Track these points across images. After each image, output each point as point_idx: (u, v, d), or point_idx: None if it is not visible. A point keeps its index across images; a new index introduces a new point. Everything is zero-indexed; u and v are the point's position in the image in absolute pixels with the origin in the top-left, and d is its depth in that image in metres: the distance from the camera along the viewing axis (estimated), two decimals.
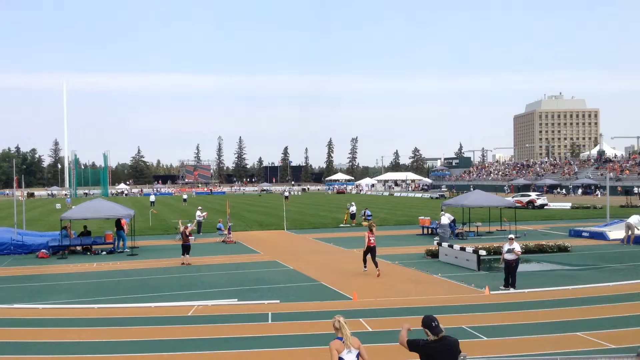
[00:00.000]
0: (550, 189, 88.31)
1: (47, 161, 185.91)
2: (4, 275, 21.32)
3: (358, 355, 7.12)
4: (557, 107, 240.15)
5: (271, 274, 20.42)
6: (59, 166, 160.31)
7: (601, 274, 19.63)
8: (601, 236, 29.16)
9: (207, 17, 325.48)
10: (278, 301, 15.71)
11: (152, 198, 72.23)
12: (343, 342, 7.14)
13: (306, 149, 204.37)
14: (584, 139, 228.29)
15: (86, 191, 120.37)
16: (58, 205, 67.76)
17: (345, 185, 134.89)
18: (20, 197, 66.64)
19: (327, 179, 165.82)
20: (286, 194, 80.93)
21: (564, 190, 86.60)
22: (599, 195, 74.32)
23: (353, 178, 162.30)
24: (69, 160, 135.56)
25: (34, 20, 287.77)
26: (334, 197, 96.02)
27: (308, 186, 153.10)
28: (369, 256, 20.09)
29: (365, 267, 20.40)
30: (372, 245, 19.93)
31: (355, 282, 18.40)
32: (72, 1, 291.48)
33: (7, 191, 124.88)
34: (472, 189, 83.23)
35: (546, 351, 10.93)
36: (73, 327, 13.43)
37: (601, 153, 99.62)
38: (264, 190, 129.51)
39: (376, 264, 19.71)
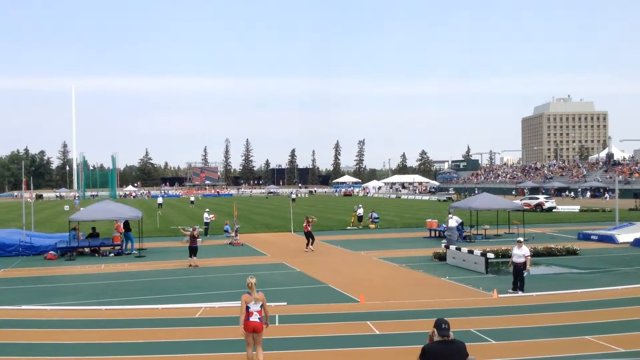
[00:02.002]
0: (559, 191, 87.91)
1: (55, 163, 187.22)
2: (12, 276, 21.43)
3: (261, 305, 9.93)
4: (566, 110, 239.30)
5: (278, 276, 20.43)
6: (68, 168, 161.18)
7: (610, 277, 19.50)
8: (610, 239, 28.97)
9: (215, 20, 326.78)
10: (285, 303, 15.70)
11: (160, 200, 72.47)
12: (251, 295, 9.91)
13: (313, 151, 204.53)
14: (592, 141, 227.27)
15: (94, 193, 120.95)
16: (66, 207, 68.10)
17: (352, 188, 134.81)
18: (28, 199, 67.00)
19: (334, 181, 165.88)
20: (293, 196, 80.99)
21: (572, 193, 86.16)
22: (608, 199, 73.90)
23: (360, 180, 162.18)
24: (77, 162, 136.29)
25: (43, 24, 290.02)
26: (340, 199, 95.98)
27: (315, 188, 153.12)
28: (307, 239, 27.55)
29: (306, 248, 27.46)
30: (307, 231, 27.47)
31: (362, 285, 18.35)
32: (80, 4, 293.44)
33: (16, 193, 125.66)
34: (476, 192, 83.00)
35: (555, 355, 10.86)
36: (81, 328, 13.48)
37: (610, 156, 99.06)
38: (271, 192, 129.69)
39: (310, 244, 27.32)
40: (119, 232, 28.35)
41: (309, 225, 27.54)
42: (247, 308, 9.87)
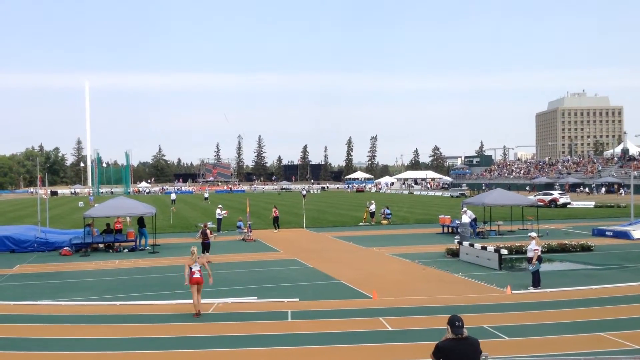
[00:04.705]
0: (573, 187, 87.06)
1: (70, 160, 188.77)
2: (27, 272, 21.66)
3: (201, 266, 14.16)
4: (580, 105, 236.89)
5: (291, 272, 20.46)
6: (82, 165, 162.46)
7: (625, 273, 19.32)
8: (625, 235, 28.69)
9: (228, 17, 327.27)
10: (297, 299, 15.73)
11: (173, 196, 72.67)
12: (192, 259, 14.18)
13: (325, 147, 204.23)
14: (607, 136, 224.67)
15: (112, 190, 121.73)
16: (81, 204, 68.68)
17: (364, 184, 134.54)
18: (43, 195, 67.58)
19: (346, 177, 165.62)
20: (304, 192, 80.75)
21: (587, 189, 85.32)
22: (623, 194, 73.14)
23: (372, 176, 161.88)
24: (91, 158, 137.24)
25: (57, 21, 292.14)
26: (353, 195, 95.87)
27: (327, 185, 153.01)
28: (276, 223, 34.94)
29: (274, 230, 34.40)
30: (276, 216, 34.92)
31: (374, 281, 18.34)
32: (94, 1, 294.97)
33: (31, 189, 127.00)
34: (484, 188, 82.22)
35: (569, 351, 10.78)
36: (95, 323, 13.60)
37: (625, 151, 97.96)
38: (284, 188, 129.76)
39: (277, 228, 34.59)
40: (114, 228, 28.74)
41: (277, 212, 35.41)
42: (190, 268, 13.98)
